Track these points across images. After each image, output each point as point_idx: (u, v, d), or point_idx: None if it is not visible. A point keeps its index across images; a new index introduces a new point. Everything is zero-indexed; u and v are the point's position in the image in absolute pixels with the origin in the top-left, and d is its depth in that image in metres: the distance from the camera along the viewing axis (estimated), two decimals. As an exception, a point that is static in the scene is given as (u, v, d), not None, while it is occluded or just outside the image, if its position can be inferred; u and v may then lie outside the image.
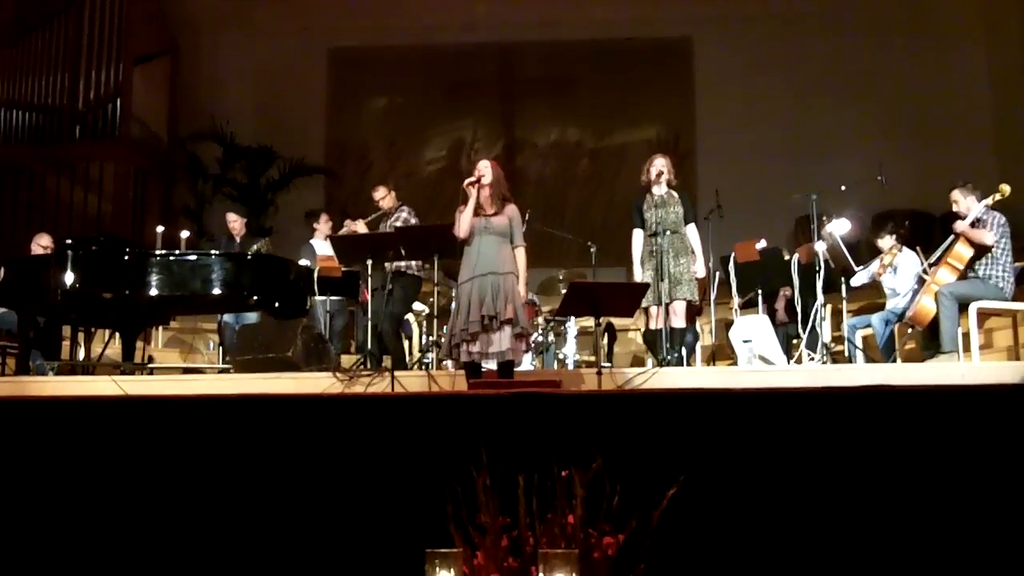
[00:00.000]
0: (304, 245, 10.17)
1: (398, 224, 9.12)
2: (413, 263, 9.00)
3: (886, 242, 8.96)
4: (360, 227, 9.32)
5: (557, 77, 15.17)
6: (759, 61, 14.16)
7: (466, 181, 7.12)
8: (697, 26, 14.66)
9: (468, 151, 14.96)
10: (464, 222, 7.04)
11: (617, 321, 9.96)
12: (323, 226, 10.11)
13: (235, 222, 10.08)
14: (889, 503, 4.62)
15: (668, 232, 8.06)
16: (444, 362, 8.61)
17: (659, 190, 8.26)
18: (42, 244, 9.57)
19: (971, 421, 4.73)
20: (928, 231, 10.05)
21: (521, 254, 7.21)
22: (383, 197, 9.42)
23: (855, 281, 8.97)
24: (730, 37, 14.36)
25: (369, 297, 8.75)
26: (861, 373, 7.52)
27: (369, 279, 8.68)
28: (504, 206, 7.16)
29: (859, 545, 4.58)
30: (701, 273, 8.21)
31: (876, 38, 13.96)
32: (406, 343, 9.99)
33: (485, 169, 7.18)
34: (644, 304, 7.96)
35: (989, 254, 7.97)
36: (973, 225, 8.03)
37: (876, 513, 4.60)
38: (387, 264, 8.85)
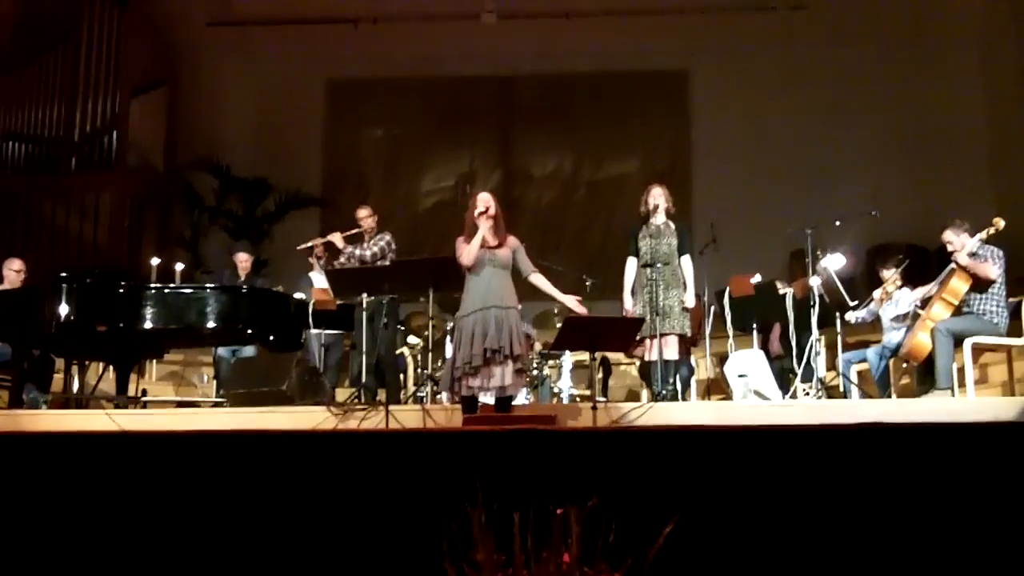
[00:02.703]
0: (302, 277, 10.16)
1: (376, 249, 9.17)
2: None
3: (890, 273, 8.97)
4: (337, 239, 9.33)
5: (554, 108, 15.20)
6: (755, 92, 14.20)
7: (476, 212, 7.13)
8: (693, 58, 14.71)
9: (465, 182, 14.94)
10: (472, 252, 7.05)
11: (612, 354, 9.95)
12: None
13: (245, 261, 10.11)
14: (886, 539, 4.61)
15: (660, 264, 8.08)
16: (439, 395, 8.59)
17: (656, 220, 8.27)
18: (13, 268, 9.53)
19: (968, 458, 4.73)
20: (924, 265, 10.04)
21: (539, 278, 7.32)
22: (366, 216, 9.42)
23: (852, 318, 8.97)
24: (726, 68, 14.41)
25: (364, 330, 8.73)
26: (856, 408, 7.51)
27: (364, 312, 8.66)
28: (505, 238, 7.21)
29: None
30: (690, 303, 8.19)
31: (873, 67, 13.99)
32: (400, 377, 9.96)
33: (490, 201, 7.21)
34: (638, 336, 7.96)
35: (986, 289, 7.96)
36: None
37: (873, 550, 4.58)
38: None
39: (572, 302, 7.48)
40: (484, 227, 7.11)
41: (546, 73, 15.02)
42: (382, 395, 8.64)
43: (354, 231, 9.38)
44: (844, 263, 8.96)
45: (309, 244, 9.76)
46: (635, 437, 5.17)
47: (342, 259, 9.31)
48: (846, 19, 14.13)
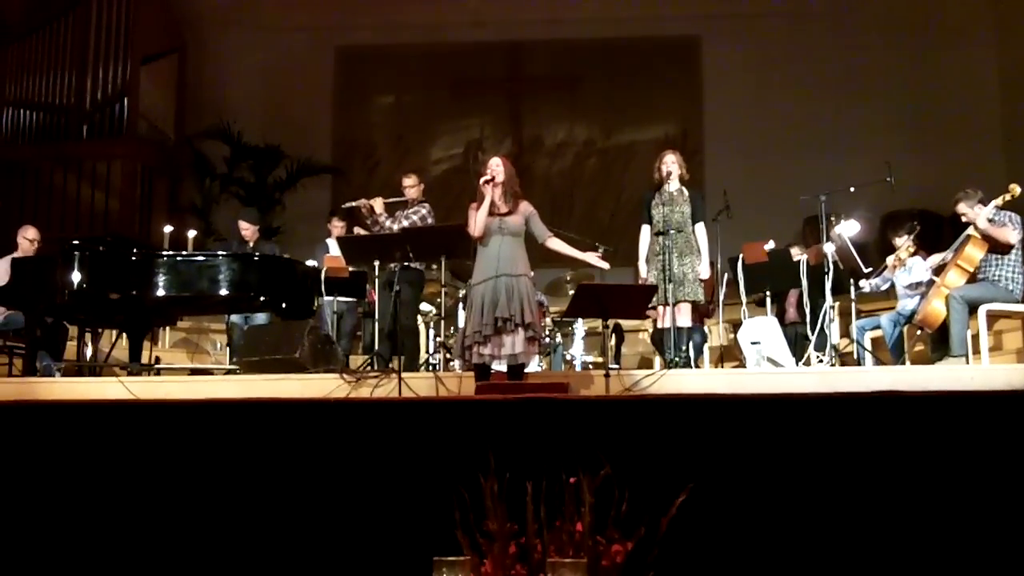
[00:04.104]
0: (319, 244, 10.14)
1: (415, 218, 9.09)
2: None
3: (902, 241, 8.92)
4: (378, 204, 9.26)
5: (565, 75, 15.15)
6: (767, 59, 14.12)
7: (481, 180, 7.11)
8: (705, 24, 14.63)
9: (476, 149, 14.93)
10: (479, 221, 7.03)
11: (625, 321, 9.94)
12: (336, 228, 10.08)
13: (247, 230, 10.03)
14: (900, 509, 4.59)
15: (673, 231, 8.05)
16: (452, 363, 8.59)
17: (670, 187, 8.24)
18: (28, 236, 9.54)
19: (983, 426, 4.70)
20: (937, 231, 9.98)
21: (556, 242, 7.30)
22: (412, 186, 9.35)
23: (867, 286, 8.94)
24: (738, 35, 14.33)
25: (376, 297, 8.72)
26: (870, 375, 7.49)
27: (376, 279, 8.65)
28: (517, 204, 7.17)
29: (869, 551, 4.56)
30: (705, 274, 8.18)
31: (885, 36, 13.91)
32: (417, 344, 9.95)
33: (497, 167, 7.17)
34: (651, 303, 7.95)
35: (998, 256, 7.91)
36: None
37: (887, 520, 4.57)
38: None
39: (593, 258, 7.48)
40: (490, 195, 7.07)
41: (557, 40, 14.94)
42: (395, 362, 8.64)
43: (397, 199, 9.32)
44: (858, 229, 8.91)
45: (354, 203, 9.69)
46: (648, 406, 5.15)
47: (378, 226, 9.24)
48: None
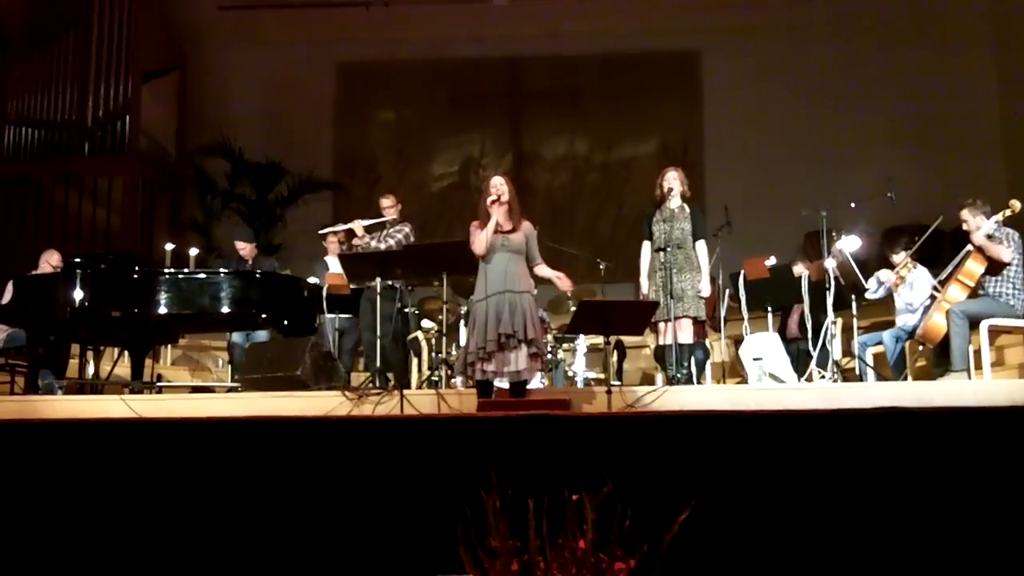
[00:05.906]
0: (318, 261, 10.14)
1: (399, 236, 9.12)
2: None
3: (899, 257, 8.93)
4: (357, 227, 9.27)
5: (565, 90, 15.17)
6: (767, 72, 14.12)
7: (488, 199, 7.11)
8: (705, 38, 14.64)
9: (476, 164, 14.96)
10: (484, 240, 7.04)
11: (627, 337, 9.93)
12: (332, 244, 10.08)
13: (243, 248, 10.00)
14: (903, 524, 4.59)
15: (672, 248, 8.05)
16: (453, 380, 8.58)
17: (671, 204, 8.25)
18: (51, 262, 9.53)
19: (985, 442, 4.71)
20: (938, 246, 9.97)
21: (544, 269, 7.33)
22: (390, 207, 9.38)
23: (871, 295, 8.93)
24: (738, 48, 14.33)
25: (377, 315, 8.71)
26: (872, 391, 7.47)
27: (377, 297, 8.65)
28: (520, 222, 7.18)
29: (872, 566, 4.56)
30: (705, 291, 8.17)
31: (885, 48, 13.91)
32: (414, 361, 9.95)
33: (503, 187, 7.18)
34: (652, 320, 7.94)
35: (1000, 271, 7.92)
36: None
37: (890, 535, 4.57)
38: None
39: (551, 274, 7.41)
40: (495, 215, 7.08)
41: (557, 55, 14.96)
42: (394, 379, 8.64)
43: (376, 220, 9.33)
44: (859, 245, 8.91)
45: (330, 229, 9.72)
46: (650, 422, 5.16)
47: (359, 248, 9.26)
48: (859, 1, 14.07)
